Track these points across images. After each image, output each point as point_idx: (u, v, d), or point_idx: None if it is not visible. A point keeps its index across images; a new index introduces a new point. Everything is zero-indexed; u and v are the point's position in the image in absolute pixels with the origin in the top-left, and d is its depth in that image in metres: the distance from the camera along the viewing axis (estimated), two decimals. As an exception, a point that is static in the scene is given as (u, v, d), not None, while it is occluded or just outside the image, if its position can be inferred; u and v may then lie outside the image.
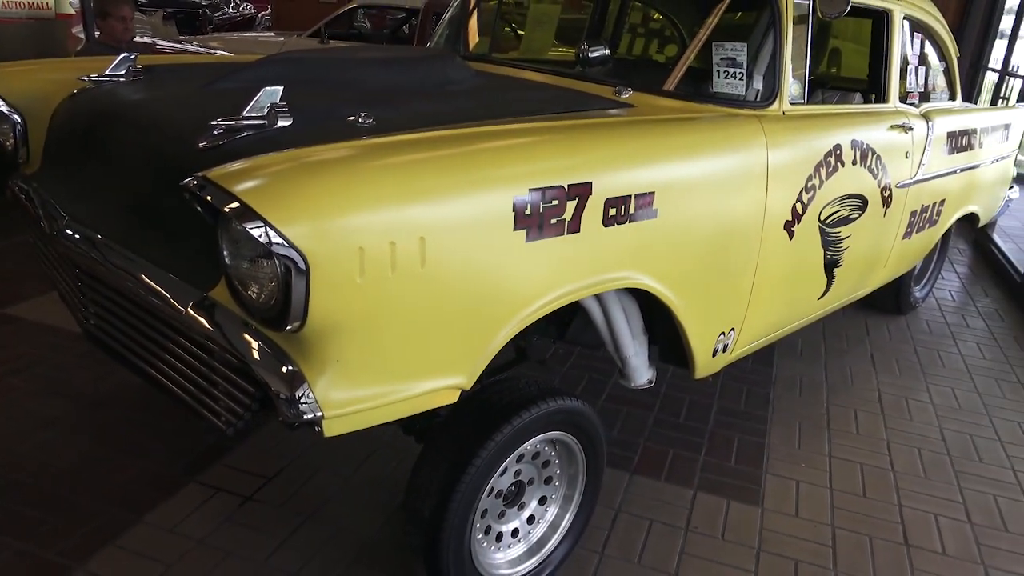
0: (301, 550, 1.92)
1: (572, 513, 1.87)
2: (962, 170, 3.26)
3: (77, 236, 1.61)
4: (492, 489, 1.69)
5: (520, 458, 1.73)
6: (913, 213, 2.93)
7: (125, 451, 2.24)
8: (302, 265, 1.10)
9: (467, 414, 1.61)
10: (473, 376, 1.40)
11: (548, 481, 1.84)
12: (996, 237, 4.95)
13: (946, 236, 3.77)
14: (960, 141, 3.18)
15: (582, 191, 1.47)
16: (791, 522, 2.13)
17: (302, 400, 1.19)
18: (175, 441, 2.30)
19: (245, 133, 1.41)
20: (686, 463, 2.38)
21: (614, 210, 1.55)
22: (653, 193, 1.63)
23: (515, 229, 1.36)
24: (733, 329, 2.12)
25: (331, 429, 1.23)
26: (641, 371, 2.08)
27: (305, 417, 1.19)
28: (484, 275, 1.33)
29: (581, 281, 1.54)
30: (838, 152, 2.28)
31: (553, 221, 1.43)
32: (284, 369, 1.21)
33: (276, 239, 1.07)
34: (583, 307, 1.92)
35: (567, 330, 2.17)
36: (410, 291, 1.23)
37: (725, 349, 2.15)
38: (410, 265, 1.21)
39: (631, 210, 1.59)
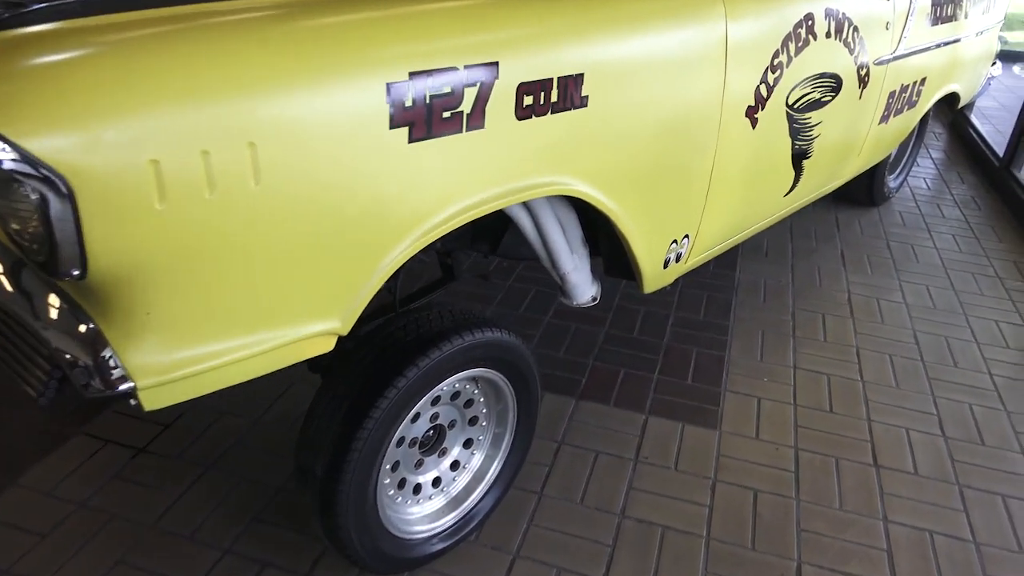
0: (197, 508, 1.68)
1: (500, 460, 1.64)
2: (945, 44, 2.93)
3: None
4: (403, 439, 1.45)
5: (437, 400, 1.48)
6: (891, 94, 2.62)
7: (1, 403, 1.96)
8: (63, 189, 0.78)
9: (365, 354, 1.34)
10: (350, 318, 1.12)
11: (474, 422, 1.60)
12: (973, 118, 4.68)
13: (924, 119, 3.48)
14: (945, 10, 2.84)
15: (485, 75, 1.14)
16: (751, 446, 1.93)
17: (106, 368, 0.90)
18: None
19: None
20: (638, 383, 2.16)
21: (530, 98, 1.23)
22: (582, 76, 1.30)
23: (392, 127, 1.04)
24: (687, 236, 1.84)
25: (151, 401, 0.94)
26: (583, 288, 1.81)
27: (110, 392, 0.90)
28: (350, 190, 1.01)
29: (492, 189, 1.24)
30: (810, 23, 1.94)
31: (446, 115, 1.10)
32: (82, 328, 0.91)
33: (11, 156, 0.75)
34: (511, 218, 1.63)
35: (499, 243, 1.89)
36: (242, 216, 0.92)
37: (678, 259, 1.88)
38: (237, 182, 0.90)
39: (553, 98, 1.27)
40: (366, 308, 1.15)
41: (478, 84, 1.13)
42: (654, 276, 1.82)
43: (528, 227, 1.65)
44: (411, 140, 1.07)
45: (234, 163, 0.88)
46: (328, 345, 1.12)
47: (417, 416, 1.45)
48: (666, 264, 1.83)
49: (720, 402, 2.09)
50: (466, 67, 1.11)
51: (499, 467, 1.62)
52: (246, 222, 0.92)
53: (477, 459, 1.62)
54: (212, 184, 0.87)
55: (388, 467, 1.44)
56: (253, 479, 1.76)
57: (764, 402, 2.10)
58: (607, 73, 1.35)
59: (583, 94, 1.32)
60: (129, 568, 1.53)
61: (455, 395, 1.52)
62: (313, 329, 1.06)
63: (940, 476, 1.86)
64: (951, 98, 3.37)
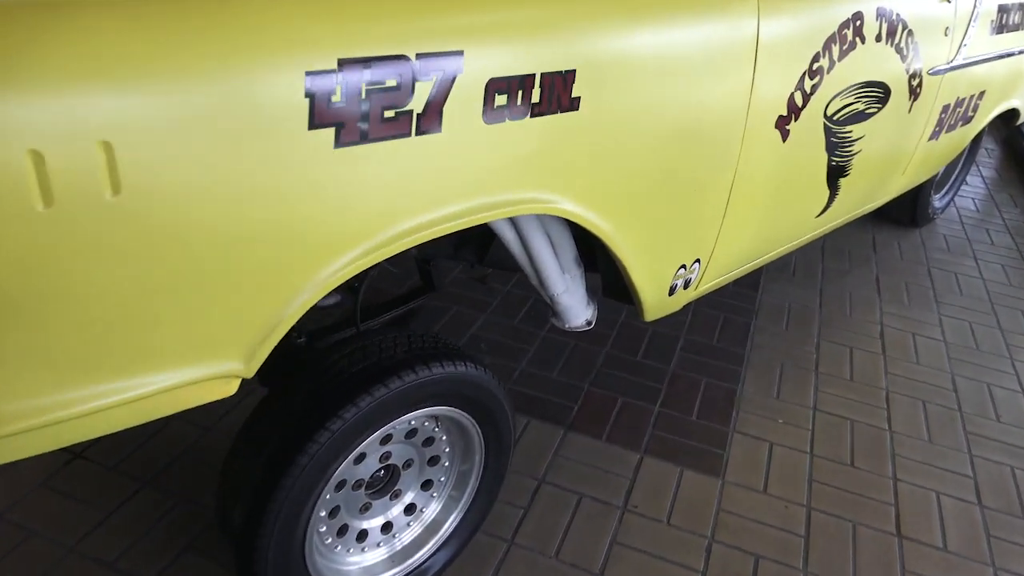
0: (124, 530, 1.50)
1: (461, 511, 1.43)
2: (1008, 55, 2.64)
3: None
4: (345, 482, 1.25)
5: (388, 438, 1.28)
6: (945, 107, 2.35)
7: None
8: None
9: (297, 388, 1.14)
10: (254, 358, 0.91)
11: (434, 462, 1.39)
12: (1031, 136, 4.34)
13: (978, 136, 3.19)
14: (1011, 18, 2.55)
15: (445, 67, 0.92)
16: (757, 501, 1.71)
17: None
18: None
19: None
20: (636, 416, 1.94)
21: (504, 98, 1.01)
22: (572, 73, 1.08)
23: (312, 127, 0.83)
24: (698, 261, 1.62)
25: (-16, 458, 0.76)
26: (576, 310, 1.59)
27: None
28: (249, 203, 0.81)
29: (452, 206, 1.02)
30: (858, 23, 1.69)
31: (389, 115, 0.89)
32: None
33: None
34: (493, 230, 1.42)
35: (486, 252, 1.68)
36: (92, 235, 0.71)
37: (687, 285, 1.65)
38: (84, 192, 0.69)
39: (535, 98, 1.05)
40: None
41: (434, 78, 0.92)
42: (657, 304, 1.59)
43: (512, 242, 1.44)
44: (339, 144, 0.86)
45: (80, 168, 0.68)
46: (229, 389, 0.92)
47: (363, 456, 1.25)
48: (672, 291, 1.61)
49: (726, 445, 1.87)
50: (419, 56, 0.89)
51: (458, 518, 1.42)
52: (98, 242, 0.72)
53: (436, 504, 1.42)
54: (48, 195, 0.67)
55: (324, 514, 1.24)
56: (192, 500, 1.58)
57: (776, 448, 1.87)
58: (606, 71, 1.13)
59: (573, 95, 1.10)
60: (36, 600, 1.36)
61: (411, 433, 1.31)
62: (202, 373, 0.86)
63: (973, 555, 1.62)
64: (1009, 114, 3.07)
